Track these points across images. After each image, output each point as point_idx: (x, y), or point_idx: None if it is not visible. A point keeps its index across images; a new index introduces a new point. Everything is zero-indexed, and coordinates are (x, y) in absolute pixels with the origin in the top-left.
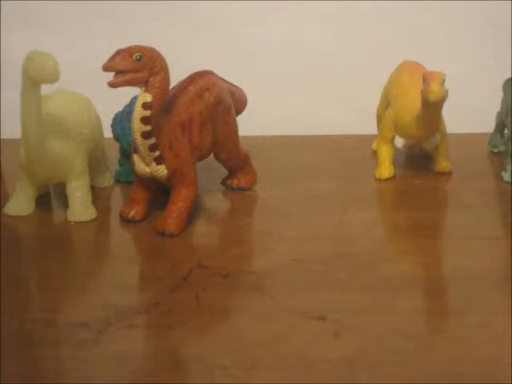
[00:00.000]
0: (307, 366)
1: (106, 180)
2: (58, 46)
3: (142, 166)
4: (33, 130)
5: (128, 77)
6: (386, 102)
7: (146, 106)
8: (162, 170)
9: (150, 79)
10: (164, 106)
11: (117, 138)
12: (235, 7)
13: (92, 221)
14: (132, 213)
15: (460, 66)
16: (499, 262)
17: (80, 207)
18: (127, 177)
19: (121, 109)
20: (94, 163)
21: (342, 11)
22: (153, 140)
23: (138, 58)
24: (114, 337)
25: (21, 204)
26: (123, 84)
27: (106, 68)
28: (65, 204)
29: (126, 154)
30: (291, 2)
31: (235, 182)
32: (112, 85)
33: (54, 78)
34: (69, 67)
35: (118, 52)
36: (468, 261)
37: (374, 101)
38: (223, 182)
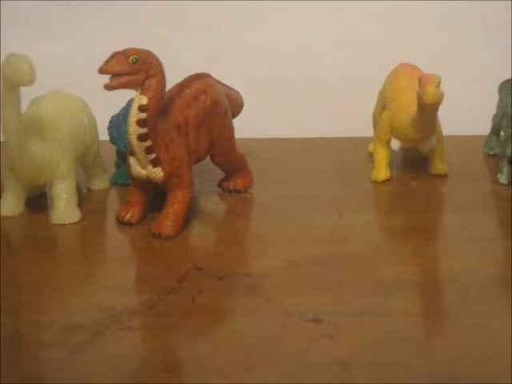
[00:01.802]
0: (302, 368)
1: (102, 182)
2: (56, 48)
3: (138, 169)
4: (13, 132)
5: (124, 79)
6: (382, 105)
7: (142, 108)
8: (158, 173)
9: (146, 82)
10: (160, 108)
11: (113, 140)
12: (231, 10)
13: (88, 223)
14: (128, 215)
15: (456, 68)
16: (495, 263)
17: (64, 209)
18: (124, 179)
19: (117, 111)
20: (88, 165)
21: (337, 14)
22: (149, 143)
23: (134, 60)
24: (110, 339)
25: (9, 205)
26: (119, 87)
27: (101, 71)
28: None
29: (123, 157)
30: (288, 5)
31: (231, 184)
32: (108, 87)
33: (29, 80)
34: (66, 69)
35: (114, 55)
36: (464, 262)
37: (370, 103)
38: (219, 185)
